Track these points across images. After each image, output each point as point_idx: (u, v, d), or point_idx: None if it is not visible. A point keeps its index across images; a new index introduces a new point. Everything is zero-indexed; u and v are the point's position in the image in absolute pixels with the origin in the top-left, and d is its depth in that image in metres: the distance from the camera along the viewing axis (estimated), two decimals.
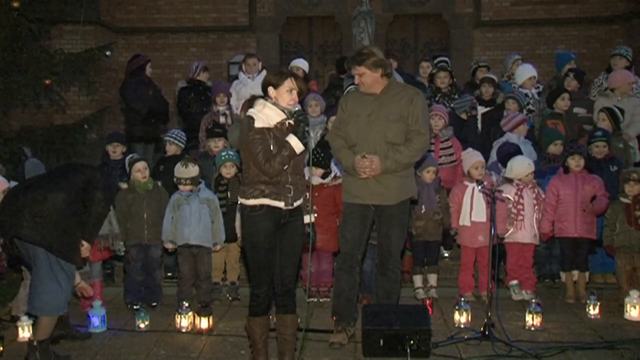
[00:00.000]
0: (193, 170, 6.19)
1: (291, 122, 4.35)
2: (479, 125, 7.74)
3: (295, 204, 4.39)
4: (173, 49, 12.93)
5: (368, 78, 4.93)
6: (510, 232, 6.34)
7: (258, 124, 4.31)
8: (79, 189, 4.69)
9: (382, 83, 4.96)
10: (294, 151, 4.27)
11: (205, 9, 13.01)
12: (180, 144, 7.24)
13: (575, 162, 6.39)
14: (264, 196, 4.32)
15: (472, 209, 6.27)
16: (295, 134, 4.28)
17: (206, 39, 13.00)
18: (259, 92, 4.52)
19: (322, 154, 6.08)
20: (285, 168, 4.30)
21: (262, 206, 4.31)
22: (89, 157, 9.44)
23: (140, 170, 6.33)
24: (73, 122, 10.01)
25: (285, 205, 4.33)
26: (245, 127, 4.32)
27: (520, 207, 6.35)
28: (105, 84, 11.62)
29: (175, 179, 6.24)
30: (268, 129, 4.31)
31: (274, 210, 4.32)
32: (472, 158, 6.45)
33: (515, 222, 6.34)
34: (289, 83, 4.36)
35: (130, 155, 6.60)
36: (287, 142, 4.26)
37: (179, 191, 6.23)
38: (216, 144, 7.05)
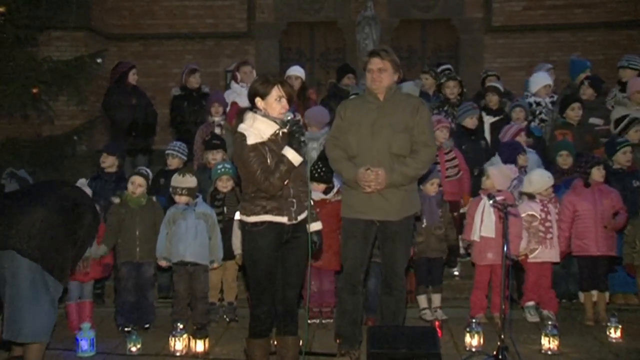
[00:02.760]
0: (191, 180, 6.19)
1: (285, 130, 4.35)
2: (488, 137, 7.72)
3: (300, 218, 4.38)
4: (168, 56, 12.97)
5: (388, 77, 4.92)
6: (537, 251, 6.29)
7: (250, 141, 4.32)
8: (67, 209, 4.68)
9: (389, 90, 4.96)
10: (292, 164, 4.27)
11: (202, 14, 13.06)
12: (183, 156, 7.26)
13: (600, 174, 6.37)
14: (266, 212, 4.33)
15: (482, 223, 6.25)
16: (291, 145, 4.27)
17: (202, 46, 13.03)
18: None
19: (323, 168, 6.06)
20: (285, 182, 4.30)
21: (263, 222, 4.30)
22: (78, 170, 9.41)
23: (134, 184, 6.32)
24: (62, 134, 10.02)
25: (289, 220, 4.34)
26: (238, 146, 4.34)
27: (548, 224, 6.30)
28: (96, 93, 11.59)
29: (171, 189, 6.25)
30: (262, 143, 4.32)
31: (277, 226, 4.32)
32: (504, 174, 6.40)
33: (544, 241, 6.29)
34: (276, 91, 4.36)
35: (139, 167, 6.57)
36: (284, 156, 4.26)
37: (175, 205, 6.23)
38: (214, 157, 7.04)
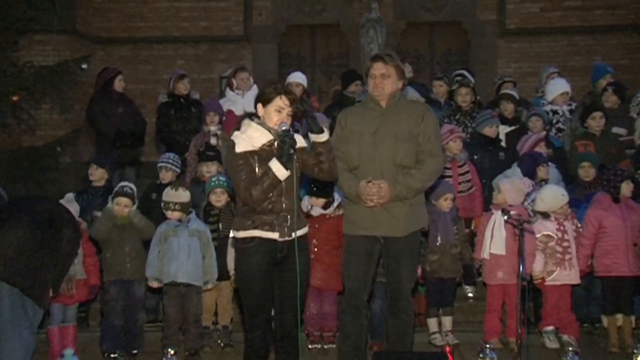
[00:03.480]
0: (184, 195, 6.20)
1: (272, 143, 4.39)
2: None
3: (295, 235, 4.37)
4: (158, 62, 12.99)
5: (391, 83, 4.94)
6: (555, 273, 6.28)
7: (239, 148, 4.36)
8: (44, 226, 4.68)
9: (392, 97, 4.98)
10: (277, 178, 4.28)
11: (195, 16, 13.09)
12: (176, 169, 7.25)
13: (629, 188, 6.38)
14: (255, 227, 4.35)
15: (492, 239, 6.24)
16: (279, 158, 4.28)
17: (196, 50, 13.07)
18: (252, 110, 4.57)
19: (323, 181, 6.04)
20: (277, 194, 4.32)
21: (253, 238, 4.32)
22: (62, 184, 9.43)
23: (120, 205, 6.32)
24: (44, 144, 10.05)
25: (281, 236, 4.34)
26: (226, 153, 4.38)
27: (566, 244, 6.28)
28: (80, 101, 11.60)
29: (163, 204, 6.25)
30: (252, 152, 4.34)
31: (268, 243, 4.33)
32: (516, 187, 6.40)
33: (563, 262, 6.26)
34: (278, 102, 4.40)
35: (122, 184, 6.55)
36: (269, 168, 4.27)
37: (166, 222, 6.23)
38: (209, 169, 7.05)
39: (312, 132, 4.40)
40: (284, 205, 4.35)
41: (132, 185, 6.53)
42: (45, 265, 4.65)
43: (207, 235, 6.26)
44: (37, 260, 4.59)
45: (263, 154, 4.34)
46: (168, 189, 6.27)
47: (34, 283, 4.56)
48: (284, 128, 4.34)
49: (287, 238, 4.35)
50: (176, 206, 6.17)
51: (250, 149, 4.36)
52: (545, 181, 6.87)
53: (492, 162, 7.35)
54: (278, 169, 4.28)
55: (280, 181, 4.30)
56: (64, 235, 4.75)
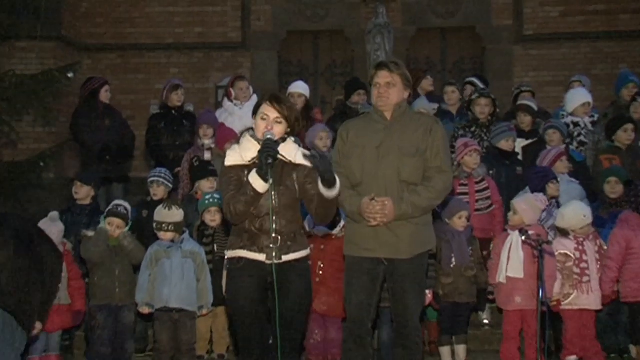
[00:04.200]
0: (177, 214, 6.20)
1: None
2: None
3: (285, 258, 4.36)
4: (150, 70, 13.06)
5: (397, 93, 4.93)
6: (572, 297, 6.26)
7: (229, 162, 4.39)
8: (26, 247, 4.68)
9: (397, 108, 4.98)
10: (256, 191, 4.27)
11: (189, 22, 13.17)
12: (169, 184, 7.26)
13: None
14: (242, 247, 4.37)
15: (508, 262, 6.22)
16: (258, 169, 4.27)
17: (190, 59, 13.13)
18: (250, 122, 4.58)
19: None
20: (265, 212, 4.30)
21: (241, 259, 4.34)
22: (45, 201, 9.43)
23: (112, 225, 6.34)
24: (26, 159, 10.05)
25: (268, 258, 4.34)
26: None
27: (584, 265, 6.26)
28: (66, 113, 11.62)
29: (154, 224, 6.24)
30: (242, 166, 4.36)
31: (255, 265, 4.34)
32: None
33: (580, 285, 6.25)
34: (263, 108, 4.41)
35: (116, 203, 6.56)
36: (248, 181, 4.29)
37: (157, 242, 6.23)
38: (212, 185, 7.03)
39: (322, 182, 4.32)
40: (274, 225, 4.34)
41: (127, 205, 6.54)
42: (33, 289, 4.66)
43: (201, 257, 6.26)
44: (26, 283, 4.60)
45: (253, 168, 4.35)
46: (160, 208, 6.26)
47: (23, 307, 4.57)
48: (268, 136, 4.34)
49: (274, 262, 4.33)
50: (170, 226, 6.17)
51: (240, 162, 4.37)
52: (556, 199, 6.86)
53: (509, 178, 7.34)
54: (254, 180, 4.26)
55: (260, 194, 4.29)
56: (45, 254, 4.76)
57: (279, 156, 4.33)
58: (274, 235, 4.33)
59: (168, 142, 8.31)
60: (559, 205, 6.73)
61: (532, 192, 6.68)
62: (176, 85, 8.58)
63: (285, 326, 4.38)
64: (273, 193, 4.31)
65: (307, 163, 4.37)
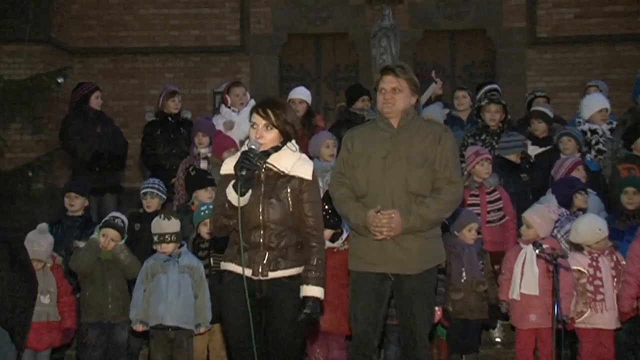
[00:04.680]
0: (176, 223, 6.19)
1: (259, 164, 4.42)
2: (535, 171, 7.72)
3: (273, 275, 4.38)
4: (144, 75, 13.08)
5: (403, 99, 4.93)
6: (586, 315, 6.24)
7: (223, 170, 4.46)
8: (15, 260, 4.72)
9: (404, 115, 4.98)
10: (232, 204, 4.32)
11: (185, 24, 13.20)
12: (163, 195, 7.26)
13: None
14: (231, 260, 4.43)
15: (522, 278, 6.21)
16: (235, 181, 4.31)
17: (186, 63, 13.16)
18: (247, 128, 4.62)
19: (329, 210, 6.02)
20: (253, 225, 4.35)
21: (230, 273, 4.39)
22: (34, 213, 9.46)
23: (107, 237, 6.33)
24: (13, 169, 10.06)
25: (254, 274, 4.36)
26: None
27: (598, 282, 6.23)
28: (55, 120, 11.64)
29: (155, 237, 6.18)
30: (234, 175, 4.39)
31: (240, 280, 4.36)
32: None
33: (594, 304, 6.23)
34: (252, 116, 4.46)
35: (113, 215, 6.54)
36: (226, 193, 4.35)
37: (154, 256, 6.21)
38: (210, 195, 7.03)
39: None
40: (262, 238, 4.37)
41: (124, 218, 6.53)
42: (27, 305, 4.70)
43: (199, 272, 6.23)
44: (19, 298, 4.63)
45: None
46: (158, 219, 6.24)
47: (19, 326, 4.60)
48: (252, 147, 4.37)
49: (261, 277, 4.36)
50: (172, 237, 6.14)
51: (232, 172, 4.40)
52: (584, 210, 6.83)
53: (517, 187, 7.35)
54: (229, 192, 4.32)
55: (234, 207, 4.32)
56: (30, 268, 4.80)
57: (271, 167, 4.38)
58: (263, 249, 4.37)
59: (164, 151, 8.31)
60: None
61: (560, 203, 6.68)
62: (173, 91, 8.59)
63: (277, 346, 4.41)
64: (261, 206, 4.35)
65: (303, 175, 4.40)
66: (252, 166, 4.28)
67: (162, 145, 8.33)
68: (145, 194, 7.16)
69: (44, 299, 6.12)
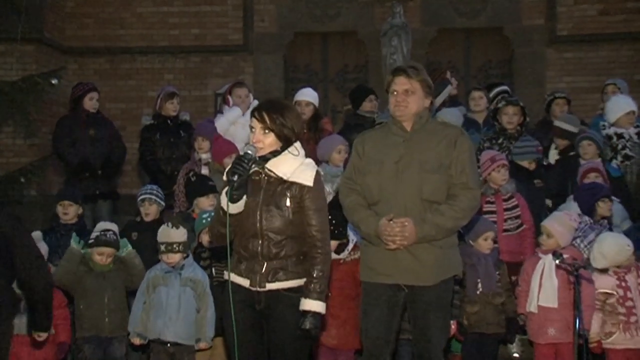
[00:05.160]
0: (184, 232, 6.21)
1: (257, 169, 4.44)
2: (555, 176, 7.73)
3: (270, 287, 4.39)
4: (142, 76, 13.09)
5: (416, 101, 4.93)
6: (615, 336, 6.22)
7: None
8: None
9: (418, 118, 4.98)
10: (224, 210, 4.36)
11: (185, 23, 13.20)
12: (162, 202, 7.29)
13: None
14: (232, 269, 4.46)
15: (540, 289, 6.19)
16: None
17: (186, 63, 13.16)
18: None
19: (333, 220, 5.99)
20: (251, 234, 4.39)
21: (232, 282, 4.43)
22: (27, 220, 9.44)
23: (103, 255, 6.35)
24: (5, 174, 10.08)
25: (251, 284, 4.39)
26: None
27: (630, 303, 6.18)
28: (49, 123, 11.64)
29: (162, 246, 6.18)
30: None
31: (242, 290, 4.39)
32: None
33: (627, 325, 6.17)
34: (251, 120, 4.49)
35: (103, 231, 6.49)
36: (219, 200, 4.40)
37: (157, 266, 6.20)
38: (212, 202, 7.03)
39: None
40: (259, 247, 4.39)
41: (115, 229, 6.53)
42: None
43: (203, 285, 6.19)
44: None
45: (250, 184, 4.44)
46: (165, 227, 6.23)
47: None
48: (248, 152, 4.40)
49: (258, 289, 4.38)
50: (179, 247, 6.13)
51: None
52: (607, 219, 6.81)
53: (530, 193, 7.35)
54: (222, 198, 4.38)
55: (225, 214, 4.36)
56: (18, 243, 4.88)
57: (270, 173, 4.40)
58: (261, 259, 4.40)
59: (165, 155, 8.32)
60: (610, 226, 6.69)
61: (582, 211, 6.66)
62: (172, 93, 8.60)
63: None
64: (259, 213, 4.37)
65: (303, 182, 4.40)
66: (245, 172, 4.31)
67: (162, 150, 8.34)
68: (143, 200, 7.18)
69: None
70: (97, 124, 8.55)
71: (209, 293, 6.23)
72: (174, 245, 6.14)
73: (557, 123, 8.28)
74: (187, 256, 6.27)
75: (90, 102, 8.53)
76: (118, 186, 8.88)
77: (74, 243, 6.38)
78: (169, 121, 8.46)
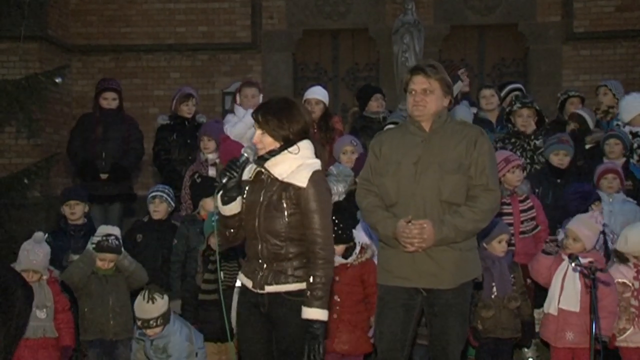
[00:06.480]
0: (163, 303, 6.05)
1: (260, 169, 4.46)
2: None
3: (269, 289, 4.39)
4: (148, 75, 13.13)
5: (435, 100, 4.92)
6: (628, 332, 6.21)
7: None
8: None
9: (437, 118, 4.97)
10: (220, 212, 4.42)
11: (192, 20, 13.24)
12: (172, 203, 7.30)
13: None
14: (242, 270, 4.58)
15: (561, 292, 6.17)
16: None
17: (193, 61, 13.19)
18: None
19: (340, 224, 5.98)
20: (252, 236, 4.42)
21: (242, 284, 4.50)
22: (30, 223, 9.47)
23: (105, 261, 6.36)
24: (8, 175, 10.10)
25: (254, 286, 4.42)
26: None
27: None
28: (53, 123, 11.74)
29: (139, 322, 6.06)
30: (247, 182, 4.49)
31: (249, 292, 4.45)
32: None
33: (637, 321, 6.19)
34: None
35: (105, 236, 6.45)
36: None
37: (138, 335, 6.20)
38: (209, 205, 7.04)
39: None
40: (259, 250, 4.40)
41: (116, 234, 6.51)
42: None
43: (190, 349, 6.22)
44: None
45: (253, 184, 4.48)
46: (140, 301, 6.03)
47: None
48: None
49: (258, 290, 4.40)
50: (157, 321, 6.00)
51: (246, 178, 4.49)
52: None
53: (556, 198, 7.31)
54: (216, 199, 4.42)
55: (229, 216, 4.42)
56: (17, 302, 4.84)
57: (269, 172, 4.40)
58: (261, 260, 4.41)
59: (180, 157, 8.28)
60: (603, 231, 6.68)
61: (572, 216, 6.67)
62: (187, 94, 8.54)
63: None
64: (257, 215, 4.39)
65: (297, 183, 4.36)
66: (235, 174, 4.34)
67: (178, 151, 8.30)
68: (154, 197, 7.20)
69: (40, 314, 6.15)
70: (113, 123, 8.42)
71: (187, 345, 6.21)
72: (151, 322, 5.99)
73: (574, 110, 8.35)
74: (168, 323, 6.12)
75: (105, 100, 8.45)
76: (134, 187, 8.82)
77: (91, 246, 6.41)
78: (185, 122, 8.44)
